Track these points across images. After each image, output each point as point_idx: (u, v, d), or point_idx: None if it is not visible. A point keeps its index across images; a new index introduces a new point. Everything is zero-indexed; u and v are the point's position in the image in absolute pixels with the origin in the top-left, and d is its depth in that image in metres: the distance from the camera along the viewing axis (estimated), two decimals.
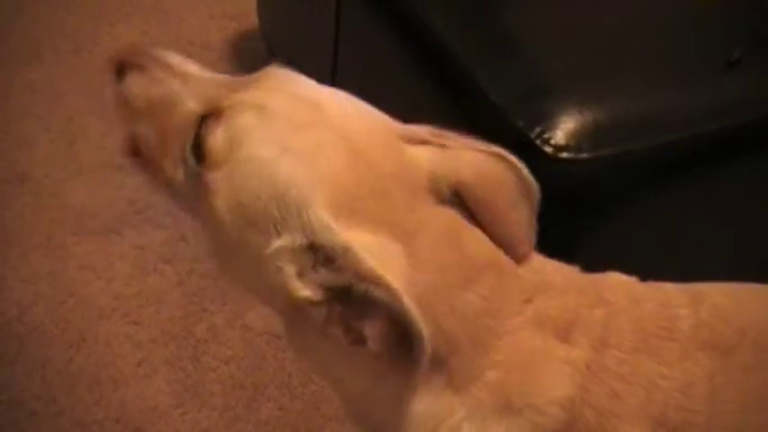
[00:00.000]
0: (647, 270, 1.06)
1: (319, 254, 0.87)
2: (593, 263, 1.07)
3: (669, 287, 1.04)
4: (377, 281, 0.83)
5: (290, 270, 0.89)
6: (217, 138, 0.91)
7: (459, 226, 0.95)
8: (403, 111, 1.75)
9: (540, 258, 1.03)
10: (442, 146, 0.98)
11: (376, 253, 0.85)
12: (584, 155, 1.36)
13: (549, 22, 1.56)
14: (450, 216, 0.95)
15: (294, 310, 0.91)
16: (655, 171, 1.43)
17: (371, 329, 0.85)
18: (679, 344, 0.97)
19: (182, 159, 0.96)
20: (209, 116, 0.94)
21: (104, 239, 2.29)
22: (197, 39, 2.90)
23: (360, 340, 0.86)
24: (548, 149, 1.36)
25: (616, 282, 1.04)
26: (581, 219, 1.42)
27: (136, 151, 1.05)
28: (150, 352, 2.06)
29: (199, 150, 0.93)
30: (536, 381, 0.93)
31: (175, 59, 1.03)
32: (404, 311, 0.83)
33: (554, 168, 1.36)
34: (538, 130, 1.37)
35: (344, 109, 0.96)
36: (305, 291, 0.88)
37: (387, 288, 0.83)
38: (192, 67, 1.03)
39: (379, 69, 1.84)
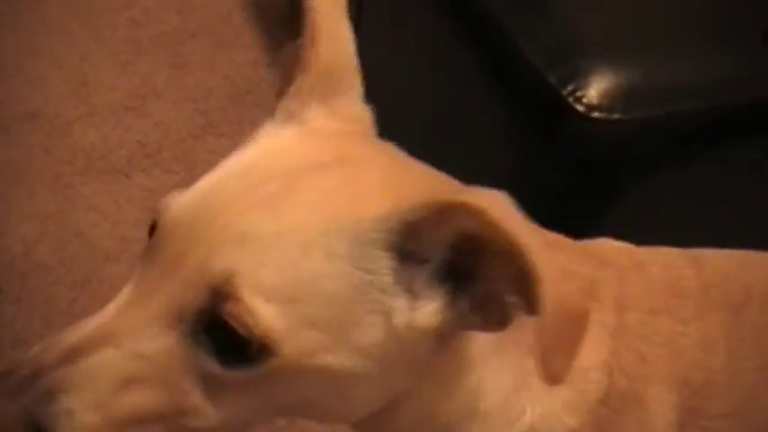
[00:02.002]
0: (672, 233, 1.04)
1: (408, 257, 0.72)
2: (620, 224, 1.06)
3: (668, 250, 1.01)
4: (438, 208, 0.69)
5: (411, 309, 0.72)
6: (261, 310, 0.68)
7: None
8: (433, 69, 1.73)
9: None
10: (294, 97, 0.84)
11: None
12: (616, 115, 1.34)
13: None
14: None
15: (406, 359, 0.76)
16: (685, 137, 1.42)
17: (494, 278, 0.70)
18: (692, 302, 0.94)
19: (212, 392, 0.72)
20: (211, 312, 0.69)
21: (113, 181, 2.26)
22: None
23: (504, 314, 0.71)
24: (580, 108, 1.34)
25: (612, 246, 0.99)
26: (609, 179, 1.40)
27: None
28: None
29: (244, 348, 0.68)
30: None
31: (80, 330, 0.73)
32: (491, 218, 0.67)
33: (585, 127, 1.35)
34: (570, 88, 1.35)
35: (271, 157, 0.79)
36: (427, 309, 0.72)
37: (451, 207, 0.69)
38: (102, 316, 0.73)
39: (407, 25, 1.81)
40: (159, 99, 2.48)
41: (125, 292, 0.73)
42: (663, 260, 0.99)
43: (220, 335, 0.69)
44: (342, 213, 0.71)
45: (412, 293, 0.72)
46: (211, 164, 0.77)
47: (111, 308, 0.73)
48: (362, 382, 0.73)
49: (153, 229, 0.78)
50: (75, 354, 0.70)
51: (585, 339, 0.77)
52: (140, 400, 0.71)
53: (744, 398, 0.95)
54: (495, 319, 0.72)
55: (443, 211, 0.69)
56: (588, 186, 1.40)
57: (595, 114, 1.34)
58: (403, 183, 0.75)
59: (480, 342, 0.82)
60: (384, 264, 0.71)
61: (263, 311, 0.67)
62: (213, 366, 0.70)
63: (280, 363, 0.68)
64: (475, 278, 0.71)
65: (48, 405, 0.69)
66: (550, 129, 1.39)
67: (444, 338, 0.76)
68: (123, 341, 0.70)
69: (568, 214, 1.04)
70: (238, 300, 0.67)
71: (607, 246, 0.99)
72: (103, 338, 0.71)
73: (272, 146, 0.80)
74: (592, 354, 0.87)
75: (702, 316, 0.94)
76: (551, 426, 0.86)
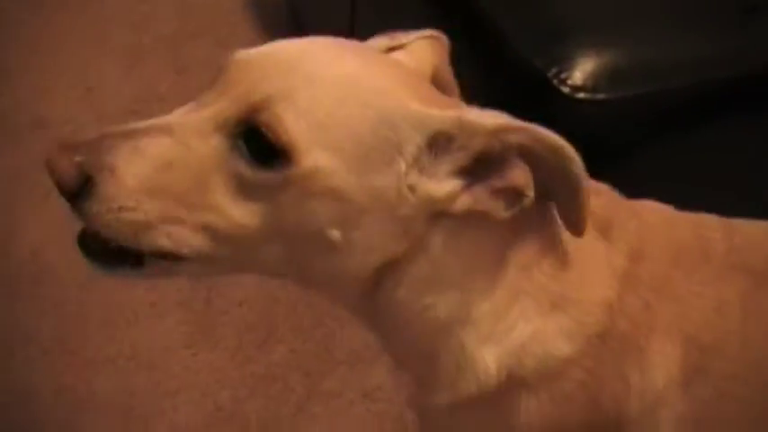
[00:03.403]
0: None
1: (437, 147, 0.85)
2: None
3: (703, 215, 1.04)
4: (505, 127, 0.84)
5: (423, 180, 0.85)
6: (286, 123, 0.80)
7: None
8: None
9: None
10: (402, 47, 1.00)
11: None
12: (601, 96, 1.35)
13: None
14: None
15: (422, 239, 0.88)
16: (671, 115, 1.42)
17: (521, 176, 0.84)
18: (713, 266, 0.96)
19: (241, 193, 0.83)
20: (258, 118, 0.81)
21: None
22: None
23: (515, 200, 0.85)
24: (565, 90, 1.35)
25: (651, 205, 1.04)
26: (596, 159, 1.41)
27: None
28: (163, 293, 2.07)
29: (264, 157, 0.81)
30: (584, 275, 0.93)
31: (145, 122, 0.86)
32: (544, 138, 0.84)
33: (570, 109, 1.36)
34: (555, 70, 1.36)
35: (348, 44, 0.95)
36: (445, 187, 0.86)
37: (516, 128, 0.84)
38: (166, 117, 0.87)
39: (397, 15, 1.84)
40: (162, 101, 2.51)
41: (187, 106, 0.87)
42: (695, 221, 1.01)
43: (254, 141, 0.81)
44: (393, 92, 0.85)
45: (432, 172, 0.85)
46: None
47: (176, 113, 0.86)
48: (363, 224, 0.85)
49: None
50: (136, 133, 0.84)
51: (590, 276, 0.93)
52: (174, 179, 0.83)
53: (756, 361, 0.95)
54: (510, 206, 0.85)
55: (501, 132, 0.84)
56: None
57: (580, 95, 1.35)
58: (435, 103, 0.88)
59: (481, 253, 0.91)
60: (413, 140, 0.84)
61: (291, 124, 0.80)
62: (243, 167, 0.82)
63: (298, 173, 0.81)
64: (496, 173, 0.85)
65: (99, 157, 0.82)
66: (536, 110, 1.39)
67: (446, 227, 0.88)
68: (176, 132, 0.84)
69: None
70: (273, 112, 0.80)
71: (647, 204, 1.03)
72: (162, 129, 0.84)
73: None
74: (595, 290, 0.93)
75: (720, 279, 0.96)
76: (545, 348, 0.92)
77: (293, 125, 0.80)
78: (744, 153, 1.50)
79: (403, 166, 0.84)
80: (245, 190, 0.83)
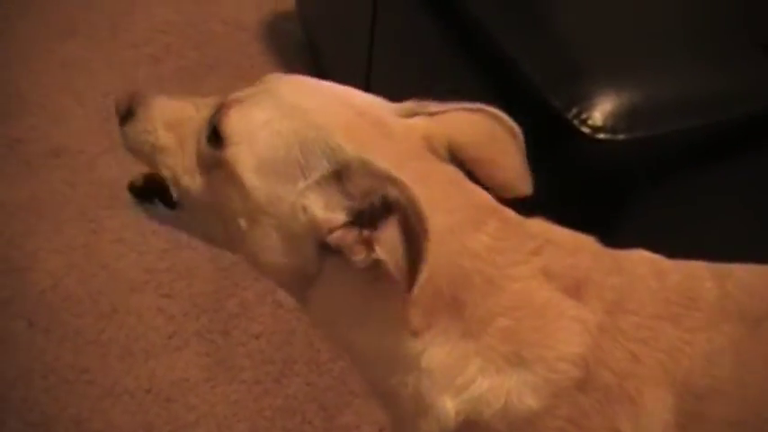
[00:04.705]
0: (680, 251, 1.07)
1: (342, 181, 0.95)
2: (626, 243, 1.08)
3: (694, 263, 1.05)
4: (390, 177, 0.90)
5: (316, 202, 0.96)
6: (231, 118, 1.01)
7: (460, 178, 1.02)
8: (439, 92, 1.76)
9: (551, 224, 1.05)
10: (430, 114, 1.06)
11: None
12: (621, 136, 1.37)
13: (588, 4, 1.57)
14: (451, 169, 1.02)
15: (316, 266, 0.99)
16: (690, 154, 1.44)
17: (383, 233, 0.89)
18: (703, 313, 0.98)
19: (198, 160, 1.06)
20: (221, 109, 1.03)
21: (137, 214, 2.30)
22: (231, 18, 2.92)
23: (375, 262, 0.91)
24: (585, 130, 1.37)
25: (639, 256, 1.05)
26: (616, 199, 1.42)
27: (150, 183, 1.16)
28: (181, 325, 2.08)
29: (215, 138, 1.02)
30: (546, 334, 0.95)
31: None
32: (412, 200, 0.88)
33: (590, 149, 1.38)
34: (575, 110, 1.38)
35: (344, 88, 1.07)
36: (328, 214, 0.95)
37: (398, 181, 0.89)
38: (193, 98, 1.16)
39: (416, 50, 1.86)
40: None
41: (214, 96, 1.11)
42: (685, 271, 1.03)
43: (213, 124, 1.02)
44: (327, 125, 0.98)
45: (329, 201, 0.95)
46: None
47: (213, 98, 1.11)
48: (262, 224, 1.00)
49: None
50: (174, 97, 1.16)
51: (556, 335, 0.95)
52: (183, 126, 1.10)
53: (755, 406, 0.97)
54: (367, 258, 0.91)
55: (385, 179, 0.90)
56: (595, 205, 1.43)
57: (600, 135, 1.37)
58: (381, 154, 0.96)
59: (382, 301, 0.96)
60: (321, 168, 0.96)
61: (234, 122, 1.01)
62: (203, 139, 1.04)
63: (224, 157, 1.00)
64: (373, 224, 0.91)
65: (144, 99, 1.16)
66: (556, 151, 1.42)
67: (339, 264, 0.95)
68: (196, 103, 1.12)
69: (577, 231, 1.07)
70: (228, 110, 1.01)
71: (635, 255, 1.05)
72: (190, 99, 1.14)
73: (353, 90, 1.09)
74: (562, 347, 0.95)
75: (711, 327, 0.97)
76: (507, 400, 0.95)
77: (235, 123, 1.00)
78: (764, 190, 1.51)
79: (301, 186, 0.97)
80: (199, 158, 1.05)
